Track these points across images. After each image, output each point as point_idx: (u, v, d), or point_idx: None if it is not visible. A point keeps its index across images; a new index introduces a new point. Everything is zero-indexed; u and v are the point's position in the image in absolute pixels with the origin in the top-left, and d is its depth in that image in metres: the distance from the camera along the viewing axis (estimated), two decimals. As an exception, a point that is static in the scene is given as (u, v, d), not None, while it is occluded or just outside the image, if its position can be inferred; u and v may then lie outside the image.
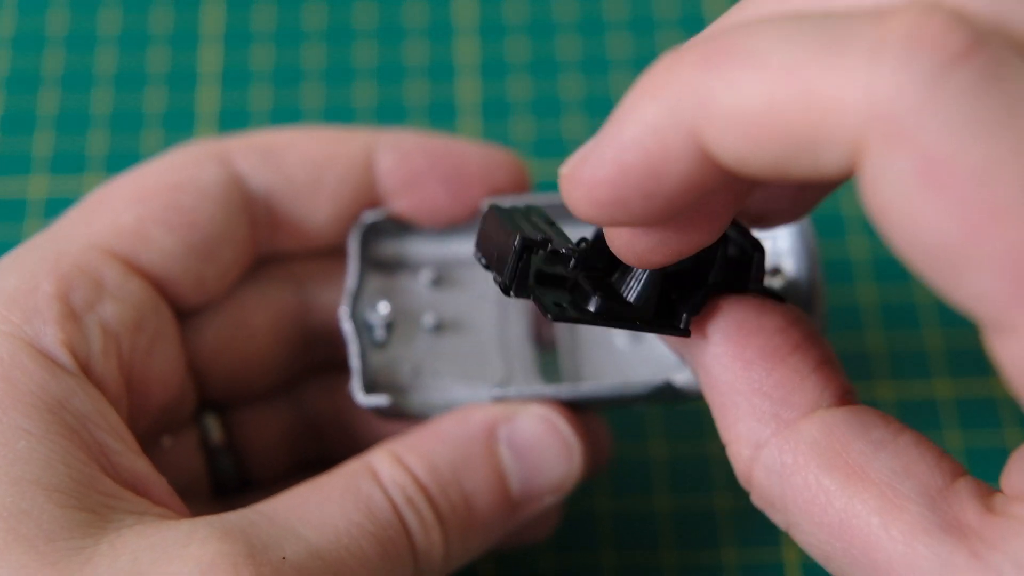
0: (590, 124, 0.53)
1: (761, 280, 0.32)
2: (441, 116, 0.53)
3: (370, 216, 0.38)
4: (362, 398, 0.36)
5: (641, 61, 0.55)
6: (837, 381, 0.30)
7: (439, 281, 0.39)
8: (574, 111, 0.53)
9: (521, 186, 0.39)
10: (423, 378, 0.38)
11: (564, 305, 0.31)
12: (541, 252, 0.31)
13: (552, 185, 0.52)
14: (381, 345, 0.38)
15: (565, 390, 0.36)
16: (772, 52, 0.23)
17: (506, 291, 0.31)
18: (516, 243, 0.30)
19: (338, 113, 0.53)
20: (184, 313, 0.37)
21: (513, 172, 0.39)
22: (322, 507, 0.33)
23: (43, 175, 0.52)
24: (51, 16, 0.56)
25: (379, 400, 0.36)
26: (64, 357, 0.32)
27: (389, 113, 0.53)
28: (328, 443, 0.41)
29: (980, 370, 0.47)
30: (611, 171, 0.26)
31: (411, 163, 0.38)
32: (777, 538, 0.44)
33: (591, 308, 0.31)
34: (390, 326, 0.38)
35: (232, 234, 0.37)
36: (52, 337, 0.32)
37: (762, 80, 0.23)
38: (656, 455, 0.46)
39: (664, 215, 0.27)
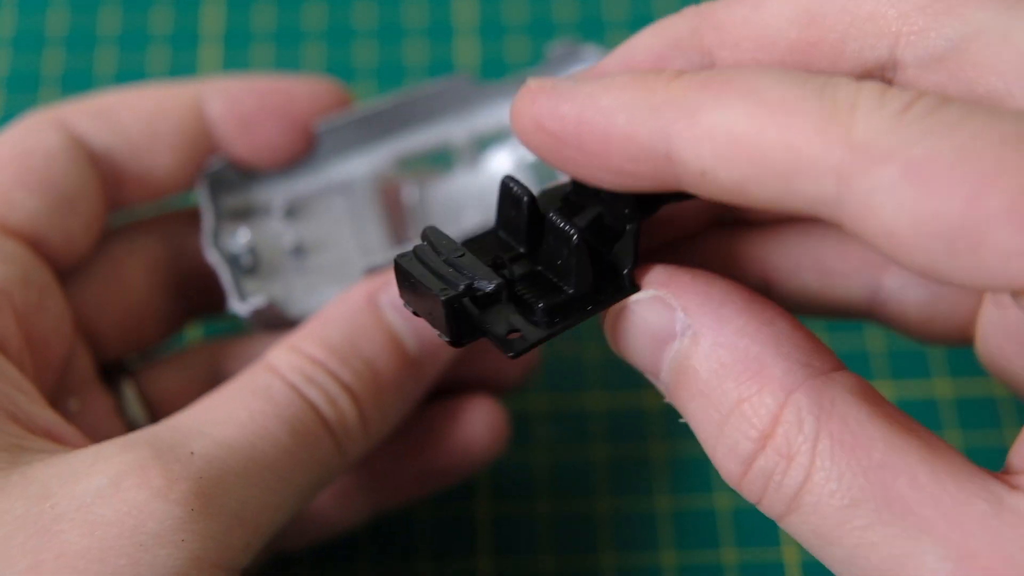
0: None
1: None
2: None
3: (214, 163, 0.40)
4: (241, 307, 0.38)
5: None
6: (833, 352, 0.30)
7: (292, 212, 0.41)
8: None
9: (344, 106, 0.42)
10: (296, 294, 0.40)
11: (519, 330, 0.30)
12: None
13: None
14: (250, 271, 0.40)
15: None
16: (768, 90, 0.26)
17: (456, 345, 0.30)
18: (442, 307, 0.29)
19: (338, 113, 0.53)
20: (61, 271, 0.38)
21: (337, 98, 0.42)
22: (224, 407, 0.34)
23: (43, 175, 0.52)
24: (51, 16, 0.56)
25: (257, 301, 0.38)
26: None
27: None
28: None
29: (980, 370, 0.47)
30: (570, 114, 0.28)
31: (241, 105, 0.40)
32: (777, 538, 0.44)
33: (540, 318, 0.30)
34: (255, 254, 0.40)
35: (86, 189, 0.38)
36: None
37: (753, 109, 0.26)
38: (656, 455, 0.46)
39: (579, 173, 0.29)
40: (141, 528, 0.30)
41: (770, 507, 0.28)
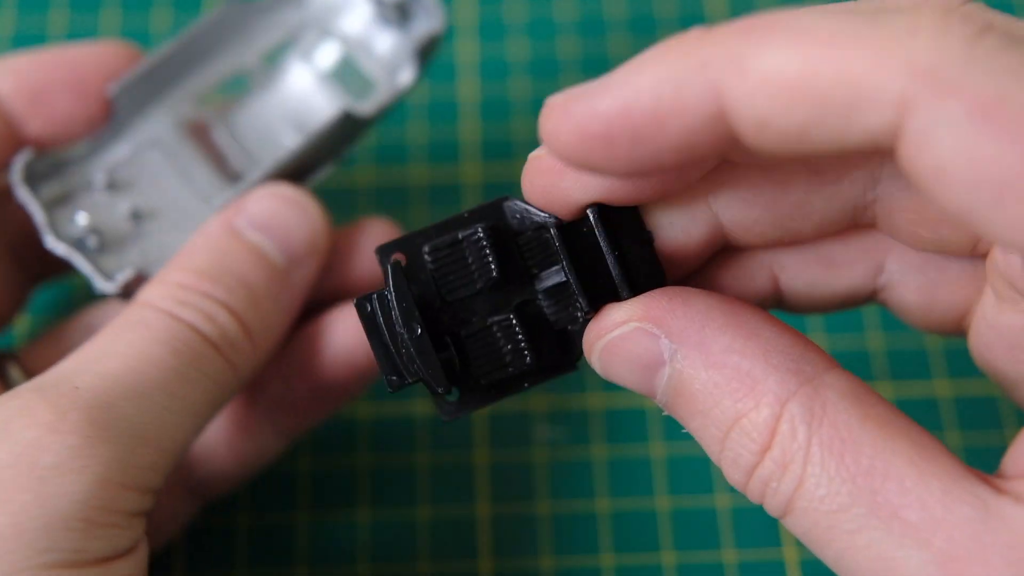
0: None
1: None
2: (441, 116, 0.53)
3: (21, 159, 0.40)
4: (109, 286, 0.39)
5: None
6: (823, 350, 0.30)
7: (114, 183, 0.41)
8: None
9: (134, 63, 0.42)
10: (152, 256, 0.40)
11: (455, 403, 0.32)
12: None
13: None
14: (99, 250, 0.40)
15: (269, 164, 0.40)
16: (815, 26, 0.25)
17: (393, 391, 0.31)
18: (388, 385, 0.31)
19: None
20: None
21: (128, 59, 0.42)
22: (101, 345, 0.34)
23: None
24: (52, 16, 0.56)
25: (124, 275, 0.38)
26: None
27: (389, 113, 0.53)
28: None
29: (980, 370, 0.47)
30: (613, 107, 0.27)
31: (28, 81, 0.40)
32: (777, 538, 0.44)
33: (480, 389, 0.32)
34: (98, 233, 0.40)
35: None
36: None
37: (803, 48, 0.25)
38: (656, 455, 0.46)
39: (637, 168, 0.27)
40: (38, 463, 0.31)
41: (770, 509, 0.29)
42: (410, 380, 0.31)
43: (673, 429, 0.46)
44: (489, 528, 0.44)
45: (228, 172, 0.42)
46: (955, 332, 0.34)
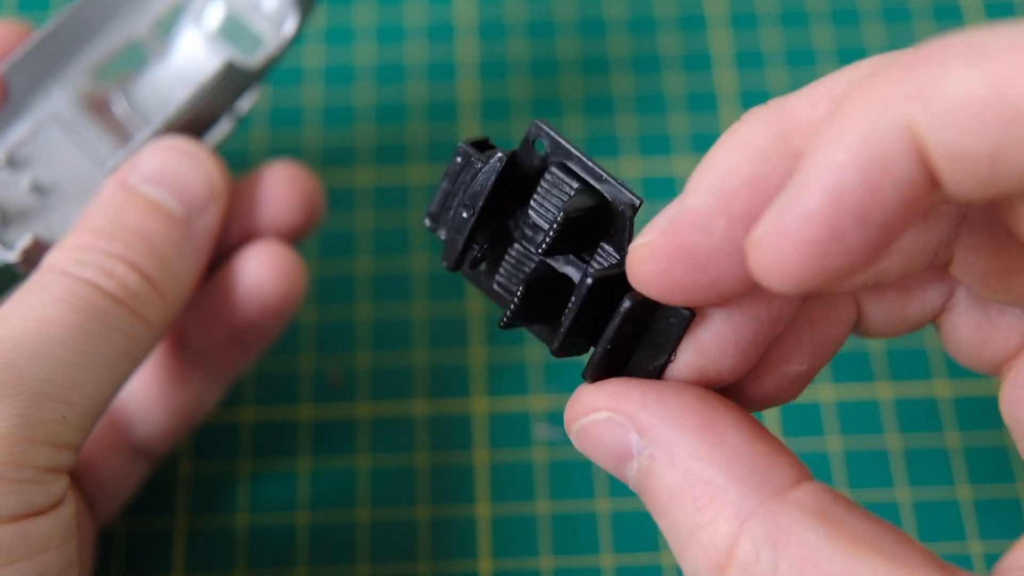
0: (590, 124, 0.53)
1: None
2: (441, 116, 0.53)
3: None
4: (10, 255, 0.39)
5: (641, 61, 0.55)
6: (795, 457, 0.29)
7: (13, 161, 0.41)
8: (574, 111, 0.53)
9: (22, 38, 0.42)
10: (56, 226, 0.40)
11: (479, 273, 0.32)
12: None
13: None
14: (3, 225, 0.40)
15: (158, 120, 0.41)
16: (997, 43, 0.23)
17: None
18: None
19: (337, 112, 0.53)
20: None
21: (18, 35, 0.42)
22: (4, 311, 0.35)
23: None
24: (52, 14, 0.56)
25: (23, 241, 0.39)
26: None
27: (389, 113, 0.53)
28: None
29: (980, 370, 0.47)
30: (824, 200, 0.24)
31: None
32: (777, 538, 0.44)
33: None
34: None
35: None
36: None
37: (987, 65, 0.23)
38: (656, 455, 0.46)
39: (874, 250, 0.25)
40: None
41: None
42: (439, 231, 0.32)
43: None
44: (489, 528, 0.44)
45: (122, 132, 0.42)
46: (997, 374, 0.33)
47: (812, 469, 0.45)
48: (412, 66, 0.55)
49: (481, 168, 0.31)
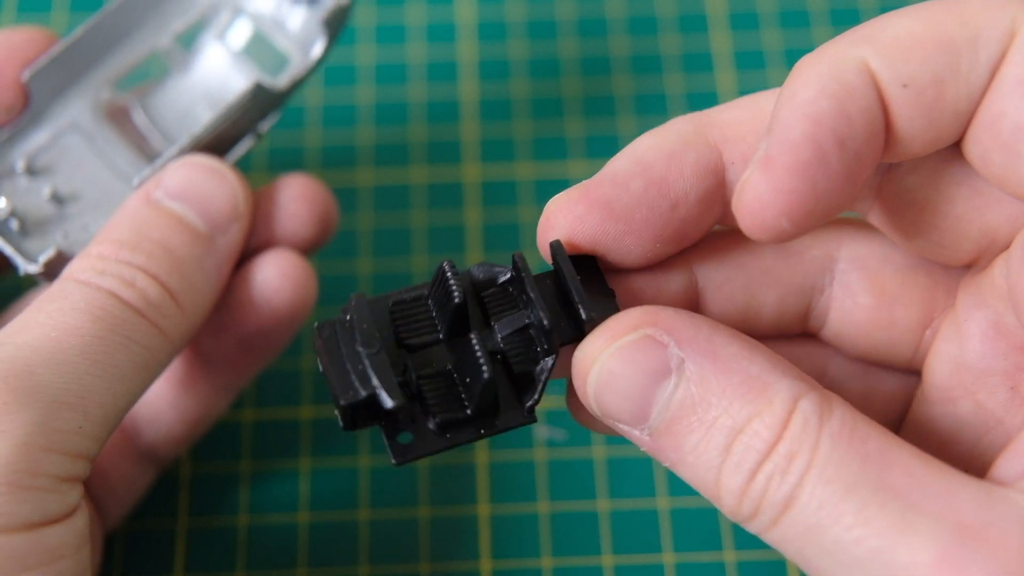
0: (590, 124, 0.53)
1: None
2: (441, 116, 0.53)
3: None
4: (32, 266, 0.39)
5: (642, 61, 0.55)
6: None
7: (33, 168, 0.41)
8: (574, 111, 0.53)
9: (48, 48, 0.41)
10: (75, 237, 0.41)
11: (407, 444, 0.31)
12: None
13: (549, 185, 0.52)
14: (22, 234, 0.40)
15: (185, 138, 0.40)
16: (932, 4, 0.29)
17: (347, 430, 0.31)
18: (340, 410, 0.31)
19: (338, 112, 0.53)
20: None
21: (43, 42, 0.41)
22: (21, 320, 0.35)
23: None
24: (53, 16, 0.56)
25: (46, 254, 0.39)
26: None
27: (389, 113, 0.53)
28: None
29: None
30: (804, 129, 0.28)
31: None
32: (777, 538, 0.44)
33: (434, 430, 0.31)
34: (19, 217, 0.40)
35: None
36: None
37: (922, 12, 0.29)
38: (656, 455, 0.46)
39: (853, 178, 0.29)
40: None
41: (767, 510, 0.28)
42: (364, 394, 0.30)
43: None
44: (489, 528, 0.44)
45: (148, 153, 0.42)
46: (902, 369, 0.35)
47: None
48: (412, 66, 0.55)
49: (349, 321, 0.32)
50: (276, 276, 0.40)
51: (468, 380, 0.31)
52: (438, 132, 0.53)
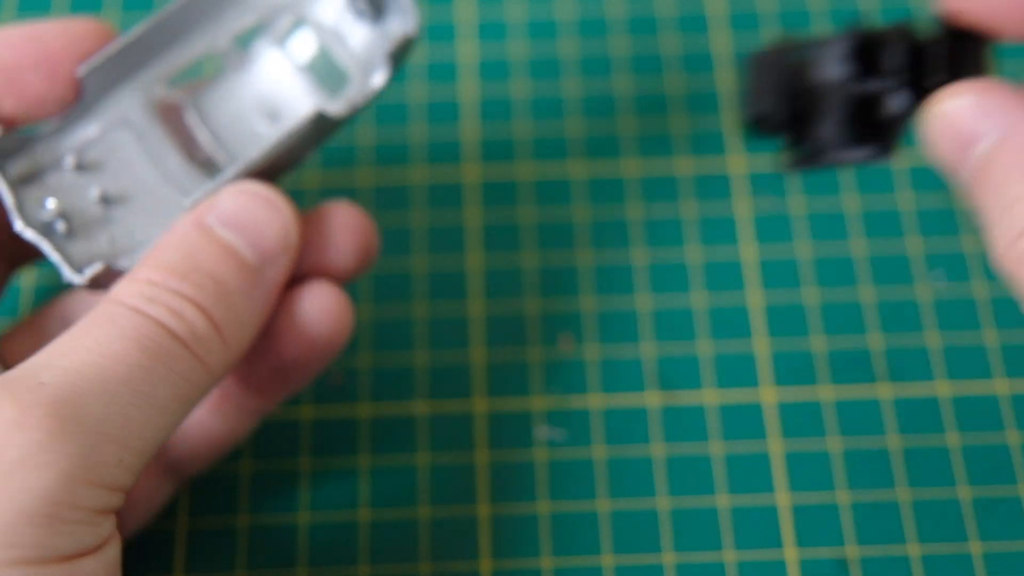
0: (590, 124, 0.53)
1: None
2: (441, 116, 0.53)
3: None
4: (76, 277, 0.38)
5: (642, 61, 0.55)
6: None
7: (83, 165, 0.41)
8: (574, 111, 0.53)
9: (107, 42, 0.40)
10: (121, 243, 0.40)
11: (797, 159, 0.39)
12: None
13: (550, 186, 0.52)
14: (68, 236, 0.39)
15: (241, 164, 0.40)
16: None
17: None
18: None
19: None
20: None
21: (100, 35, 0.40)
22: (69, 340, 0.34)
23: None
24: (53, 17, 0.56)
25: (93, 268, 0.38)
26: None
27: (389, 113, 0.53)
28: None
29: (980, 370, 0.47)
30: None
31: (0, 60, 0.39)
32: (778, 539, 0.44)
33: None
34: (67, 218, 0.39)
35: None
36: None
37: None
38: (656, 455, 0.46)
39: None
40: (2, 457, 0.31)
41: None
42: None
43: (673, 430, 0.46)
44: (489, 528, 0.44)
45: (198, 157, 0.42)
46: None
47: (812, 469, 0.46)
48: (412, 66, 0.55)
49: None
50: (317, 310, 0.40)
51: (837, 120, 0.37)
52: (438, 132, 0.53)
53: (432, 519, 0.45)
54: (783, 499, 0.44)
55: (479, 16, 0.56)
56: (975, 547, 0.43)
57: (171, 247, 0.37)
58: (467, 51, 0.55)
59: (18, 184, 0.40)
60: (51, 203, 0.39)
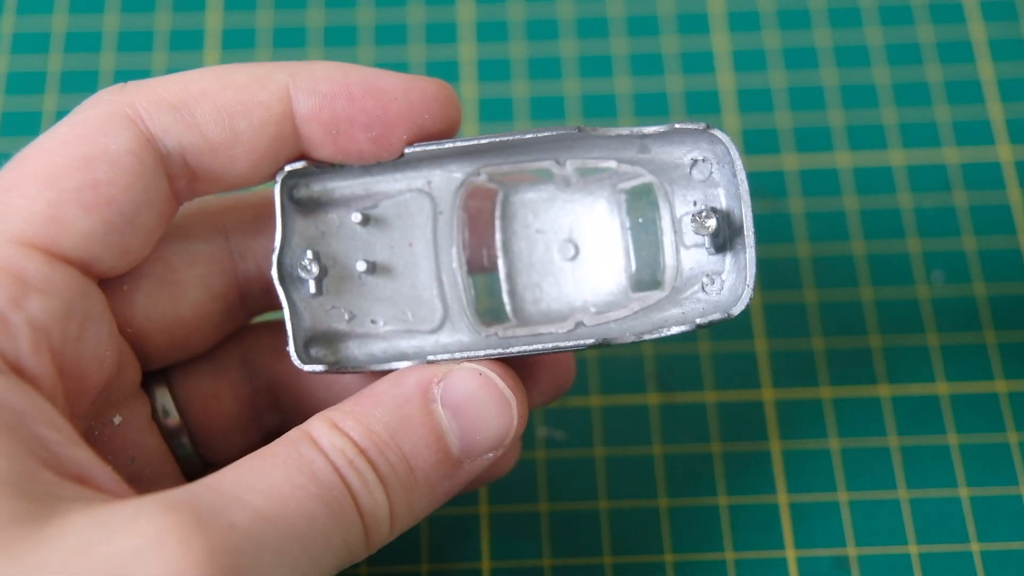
0: (590, 124, 0.53)
1: None
2: (441, 116, 0.53)
3: (291, 165, 0.37)
4: (296, 359, 0.37)
5: (642, 61, 0.55)
6: None
7: (368, 220, 0.38)
8: (574, 111, 0.53)
9: (450, 121, 0.38)
10: (360, 324, 0.38)
11: None
12: None
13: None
14: (315, 294, 0.38)
15: (495, 351, 0.37)
16: None
17: None
18: None
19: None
20: (111, 279, 0.37)
21: (442, 107, 0.38)
22: (266, 475, 0.33)
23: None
24: (53, 17, 0.56)
25: (316, 368, 0.37)
26: None
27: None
28: (285, 411, 0.41)
29: (979, 370, 0.47)
30: None
31: (331, 108, 0.37)
32: (780, 539, 0.44)
33: None
34: (322, 272, 0.37)
35: (151, 198, 0.36)
36: None
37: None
38: (657, 455, 0.46)
39: None
40: None
41: None
42: None
43: (673, 430, 0.46)
44: (489, 528, 0.45)
45: (475, 261, 0.39)
46: None
47: (812, 468, 0.46)
48: (413, 66, 0.55)
49: None
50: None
51: None
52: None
53: (433, 519, 0.45)
54: (783, 499, 0.44)
55: (479, 16, 0.56)
56: (975, 547, 0.43)
57: (386, 405, 0.35)
58: (467, 51, 0.55)
59: (296, 213, 0.38)
60: (312, 260, 0.37)
